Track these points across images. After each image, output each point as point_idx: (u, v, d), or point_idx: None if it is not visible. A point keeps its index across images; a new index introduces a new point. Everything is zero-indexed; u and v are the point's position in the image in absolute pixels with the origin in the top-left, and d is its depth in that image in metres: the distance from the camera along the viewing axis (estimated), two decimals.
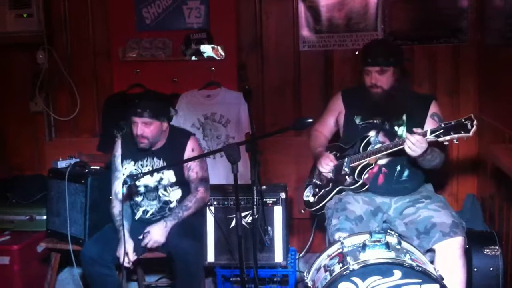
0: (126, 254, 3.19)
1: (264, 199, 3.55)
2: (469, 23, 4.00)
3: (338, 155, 3.34)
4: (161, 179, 3.43)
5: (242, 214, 3.50)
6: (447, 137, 2.74)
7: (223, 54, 4.14)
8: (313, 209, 3.42)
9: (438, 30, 4.05)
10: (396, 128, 3.23)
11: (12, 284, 3.74)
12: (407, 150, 2.90)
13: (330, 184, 3.33)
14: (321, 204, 3.34)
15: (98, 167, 3.66)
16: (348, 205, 3.12)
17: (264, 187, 3.58)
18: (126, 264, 3.22)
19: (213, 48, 4.14)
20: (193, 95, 4.18)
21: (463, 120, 2.69)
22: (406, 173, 3.22)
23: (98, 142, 4.28)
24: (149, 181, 3.43)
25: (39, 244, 3.66)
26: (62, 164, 3.68)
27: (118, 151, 3.49)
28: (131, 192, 3.43)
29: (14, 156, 4.58)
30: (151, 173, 3.34)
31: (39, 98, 4.40)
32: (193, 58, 4.15)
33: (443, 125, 2.75)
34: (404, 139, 2.90)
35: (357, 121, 3.33)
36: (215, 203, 3.62)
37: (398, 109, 3.23)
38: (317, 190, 3.42)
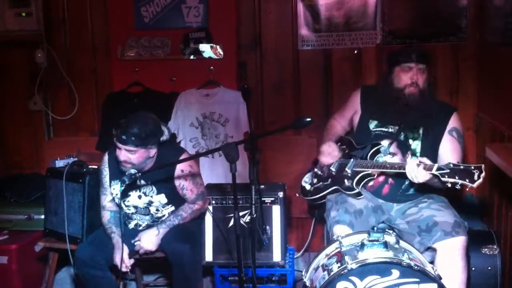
0: (122, 260, 3.16)
1: (263, 198, 3.54)
2: (469, 22, 4.00)
3: (347, 151, 3.27)
4: (151, 202, 3.32)
5: (241, 214, 3.50)
6: (451, 180, 2.60)
7: (222, 53, 4.14)
8: (307, 198, 3.40)
9: (438, 28, 4.05)
10: (410, 141, 3.13)
11: (10, 284, 3.73)
12: (409, 177, 2.84)
13: (329, 180, 3.27)
14: (316, 196, 3.31)
15: (96, 166, 3.63)
16: (348, 198, 3.09)
17: (262, 186, 3.55)
18: (123, 269, 3.19)
19: (212, 47, 4.13)
20: (191, 94, 4.18)
21: (472, 167, 2.57)
22: (413, 187, 3.13)
23: (97, 141, 4.27)
24: (138, 202, 3.33)
25: (37, 244, 3.64)
26: (60, 163, 3.66)
27: (106, 170, 3.33)
28: (120, 206, 3.33)
29: (13, 155, 4.59)
30: (150, 171, 3.24)
31: (38, 97, 4.41)
32: (192, 57, 4.15)
33: (451, 165, 2.63)
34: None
35: (371, 126, 3.22)
36: (214, 202, 3.62)
37: (418, 120, 3.10)
38: (316, 180, 3.37)
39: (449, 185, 2.63)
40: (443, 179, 2.64)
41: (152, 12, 4.22)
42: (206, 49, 4.13)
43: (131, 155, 3.11)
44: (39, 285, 3.76)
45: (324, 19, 4.17)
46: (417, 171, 2.77)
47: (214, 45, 4.13)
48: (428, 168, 2.72)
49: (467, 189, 2.63)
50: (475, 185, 2.56)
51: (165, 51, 4.21)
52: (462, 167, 2.61)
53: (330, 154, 3.26)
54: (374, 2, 4.09)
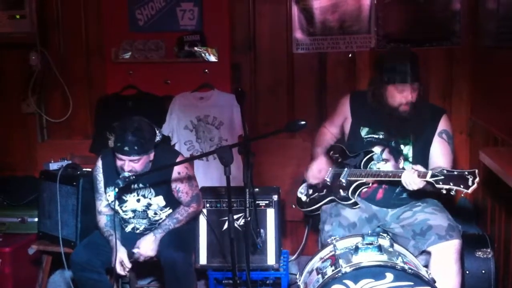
0: (121, 262, 3.17)
1: (257, 202, 3.53)
2: (462, 26, 4.01)
3: (340, 160, 3.26)
4: (150, 204, 3.33)
5: (235, 217, 3.50)
6: (446, 186, 2.61)
7: (216, 56, 4.13)
8: (303, 209, 3.39)
9: (431, 32, 4.06)
10: (402, 146, 3.11)
11: (3, 287, 3.71)
12: (404, 184, 2.85)
13: (325, 190, 3.26)
14: (312, 208, 3.30)
15: (90, 169, 3.62)
16: (342, 211, 3.09)
17: (257, 189, 3.55)
18: (121, 272, 3.20)
19: (206, 50, 4.13)
20: (186, 97, 4.18)
21: (466, 173, 2.58)
22: (407, 192, 3.11)
23: (91, 144, 4.26)
24: (137, 205, 3.33)
25: (31, 247, 3.63)
26: (54, 166, 3.66)
27: (100, 176, 3.32)
28: (117, 211, 3.32)
29: (6, 157, 4.56)
30: (145, 174, 3.23)
31: (31, 99, 4.39)
32: (186, 60, 4.14)
33: (445, 172, 2.64)
34: (403, 172, 2.85)
35: (363, 133, 3.20)
36: (208, 205, 3.61)
37: (409, 127, 3.08)
38: (311, 191, 3.35)
39: (444, 191, 2.64)
40: (437, 185, 2.65)
41: (147, 15, 4.22)
42: (200, 52, 4.13)
43: (135, 164, 3.13)
44: None
45: (318, 23, 4.17)
46: (411, 178, 2.77)
47: (209, 48, 4.13)
48: (422, 175, 2.73)
49: (462, 195, 2.63)
50: (469, 190, 2.57)
51: (159, 54, 4.20)
52: (456, 173, 2.62)
53: (317, 175, 3.24)
54: (369, 6, 4.10)
